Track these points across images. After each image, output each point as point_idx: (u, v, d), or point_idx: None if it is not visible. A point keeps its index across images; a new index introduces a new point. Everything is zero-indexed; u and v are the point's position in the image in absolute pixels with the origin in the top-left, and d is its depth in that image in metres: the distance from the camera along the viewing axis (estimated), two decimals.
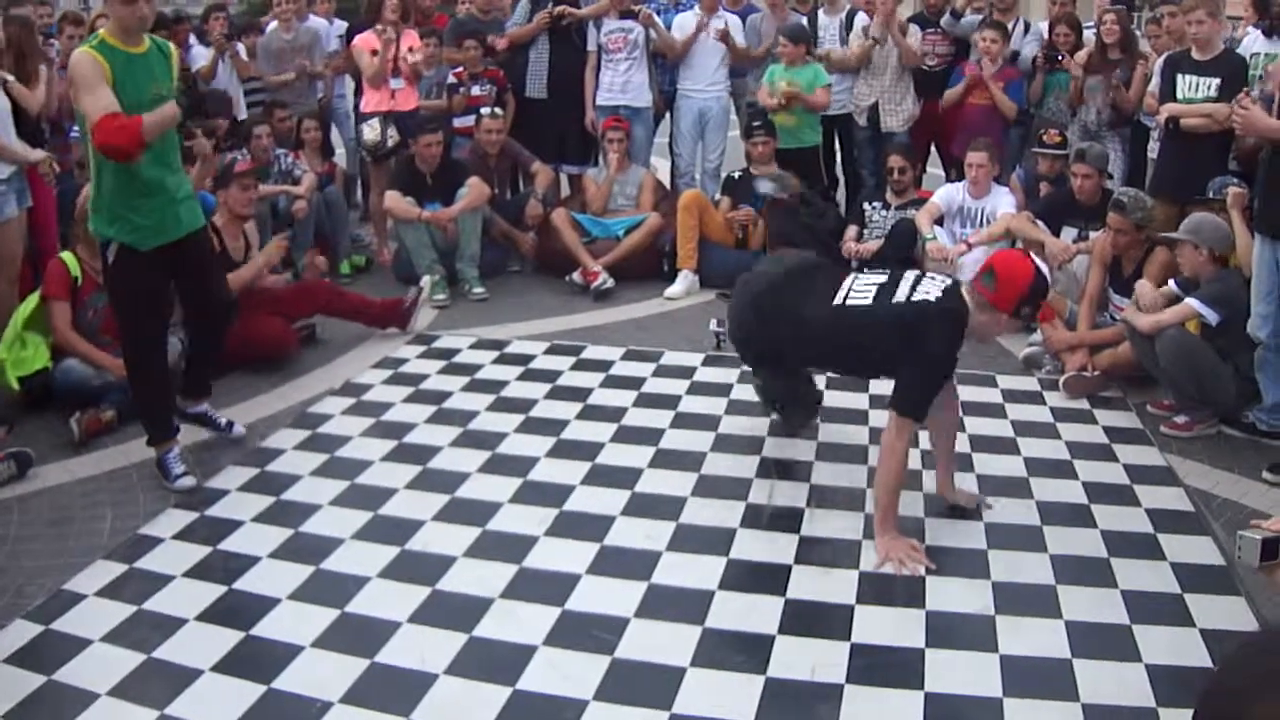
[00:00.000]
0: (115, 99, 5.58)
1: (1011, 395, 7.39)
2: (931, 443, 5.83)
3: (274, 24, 11.95)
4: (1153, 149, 9.33)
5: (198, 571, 5.17)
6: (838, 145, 11.66)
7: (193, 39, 11.97)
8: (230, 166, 8.33)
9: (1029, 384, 7.65)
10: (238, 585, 5.04)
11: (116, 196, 5.84)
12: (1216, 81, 8.06)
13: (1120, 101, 9.55)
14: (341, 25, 12.47)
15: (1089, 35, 10.53)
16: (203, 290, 6.42)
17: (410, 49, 10.62)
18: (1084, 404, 7.27)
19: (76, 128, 9.37)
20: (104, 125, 5.49)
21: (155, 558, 5.32)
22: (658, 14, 11.18)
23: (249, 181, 8.20)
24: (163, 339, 6.31)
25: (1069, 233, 8.63)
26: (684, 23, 11.12)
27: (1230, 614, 4.77)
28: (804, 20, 11.63)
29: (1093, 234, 8.33)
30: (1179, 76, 8.28)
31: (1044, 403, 7.30)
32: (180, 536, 5.52)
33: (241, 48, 11.82)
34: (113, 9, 5.80)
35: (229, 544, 5.39)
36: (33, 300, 7.28)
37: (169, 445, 6.20)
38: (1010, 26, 10.77)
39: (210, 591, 4.99)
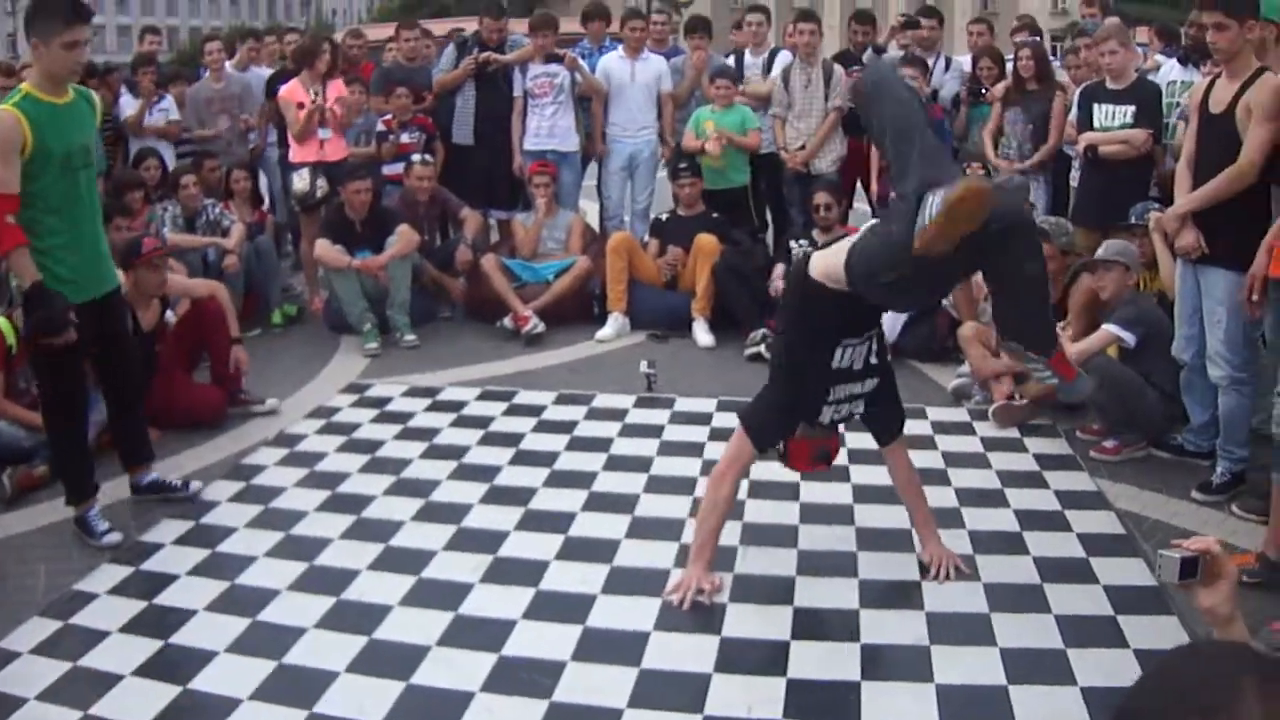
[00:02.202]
0: (15, 177, 5.50)
1: (941, 426, 7.47)
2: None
3: (205, 74, 11.97)
4: (1074, 178, 9.47)
5: (134, 626, 5.13)
6: (765, 185, 11.68)
7: (123, 89, 11.94)
8: (135, 245, 7.95)
9: (958, 415, 7.74)
10: (174, 639, 5.00)
11: (40, 252, 5.71)
12: (1132, 109, 8.24)
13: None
14: (267, 73, 12.46)
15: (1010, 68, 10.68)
16: (119, 351, 6.35)
17: (338, 99, 10.63)
18: (1014, 433, 7.36)
19: None
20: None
21: (90, 613, 5.26)
22: (583, 58, 11.27)
23: (160, 262, 7.91)
24: (81, 398, 6.16)
25: None
26: (609, 65, 11.20)
27: (1162, 634, 4.83)
28: (730, 58, 11.73)
29: None
30: (1096, 106, 8.45)
31: (974, 433, 7.39)
32: (115, 591, 5.47)
33: (170, 98, 11.79)
34: (47, 57, 5.67)
35: (165, 598, 5.35)
36: None
37: (88, 504, 6.12)
38: (931, 63, 10.90)
39: (147, 646, 4.95)
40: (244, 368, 8.07)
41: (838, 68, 10.99)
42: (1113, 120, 8.35)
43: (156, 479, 6.61)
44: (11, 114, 5.54)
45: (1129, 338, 6.87)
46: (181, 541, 6.03)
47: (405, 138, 10.94)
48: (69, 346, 5.82)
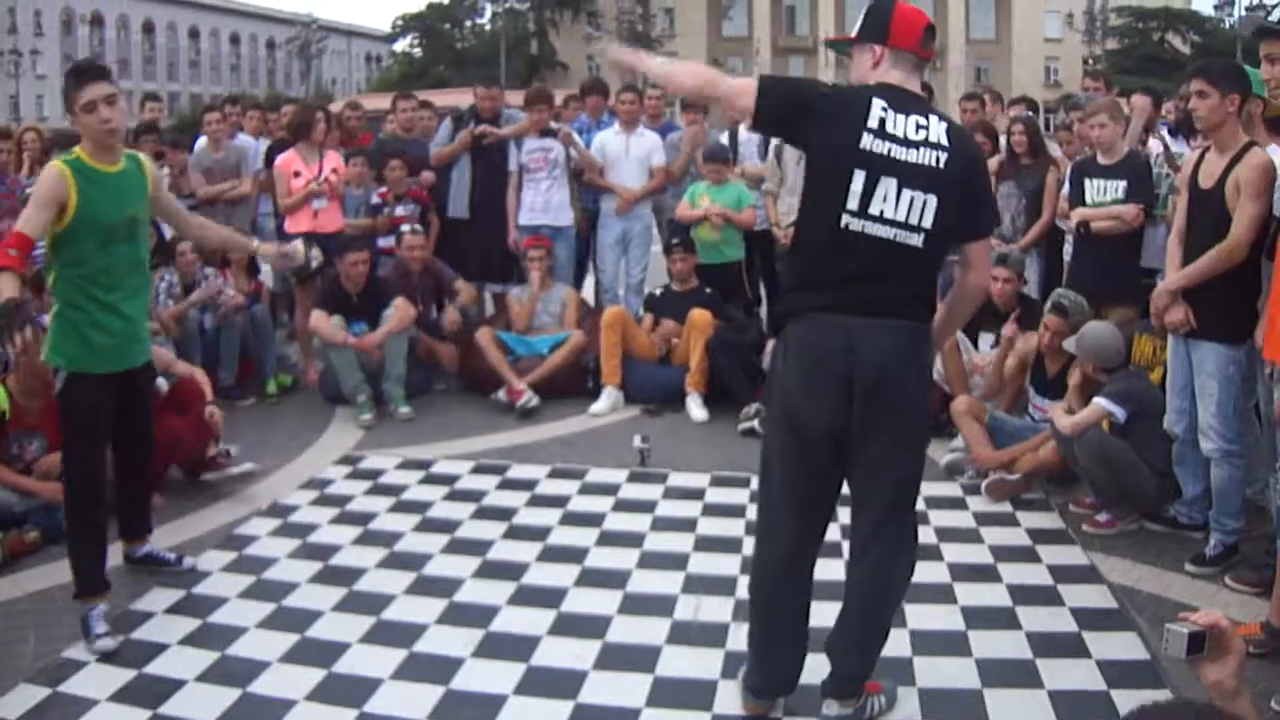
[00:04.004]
0: (41, 227, 5.41)
1: (934, 501, 7.44)
2: None
3: (203, 141, 12.00)
4: (1068, 252, 9.47)
5: (123, 695, 5.11)
6: (759, 260, 11.70)
7: None
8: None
9: (951, 490, 7.74)
10: (163, 709, 4.97)
11: (80, 314, 5.62)
12: (1123, 184, 8.24)
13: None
14: (266, 142, 12.51)
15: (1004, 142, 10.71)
16: (137, 429, 6.19)
17: (334, 170, 10.68)
18: (1006, 507, 7.37)
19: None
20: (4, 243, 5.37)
21: (79, 682, 5.23)
22: (579, 132, 11.36)
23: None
24: (103, 478, 5.91)
25: (987, 338, 8.79)
26: (604, 140, 11.29)
27: None
28: (724, 136, 11.81)
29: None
30: (1087, 180, 8.46)
31: (966, 508, 7.39)
32: (105, 659, 5.43)
33: (166, 169, 11.82)
34: (79, 125, 5.65)
35: (155, 667, 5.32)
36: None
37: (96, 601, 5.73)
38: None
39: (136, 716, 4.93)
40: (218, 421, 7.97)
41: None
42: (1104, 195, 8.36)
43: (151, 552, 6.50)
44: (59, 170, 5.50)
45: (1119, 412, 6.89)
46: (173, 610, 6.00)
47: (400, 210, 10.99)
48: (96, 419, 5.78)
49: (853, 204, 4.31)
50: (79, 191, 5.46)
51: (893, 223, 4.33)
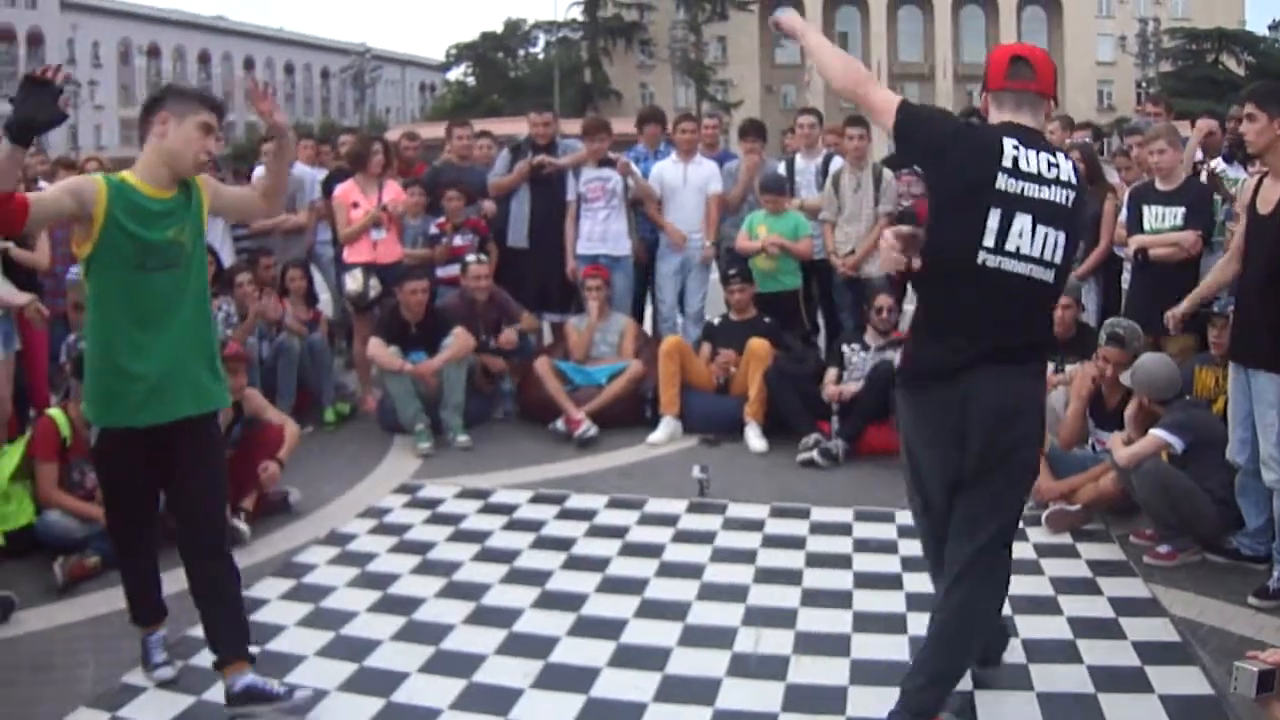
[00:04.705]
0: (44, 203, 4.84)
1: None
2: None
3: (260, 170, 12.05)
4: (1125, 280, 9.38)
5: None
6: (816, 289, 11.67)
7: None
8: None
9: None
10: None
11: (104, 359, 5.07)
12: (1181, 210, 8.20)
13: None
14: (322, 172, 12.56)
15: None
16: (193, 497, 5.29)
17: (391, 200, 10.72)
18: (1066, 538, 7.29)
19: (75, 269, 9.44)
20: None
21: (137, 707, 5.26)
22: (636, 162, 11.36)
23: (237, 366, 7.82)
24: (148, 535, 5.49)
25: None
26: (662, 170, 11.29)
27: None
28: (780, 166, 11.79)
29: (1069, 366, 8.42)
30: (1145, 207, 8.43)
31: (1026, 539, 7.26)
32: (163, 686, 5.45)
33: None
34: (175, 134, 5.07)
35: (213, 694, 5.29)
36: (15, 453, 7.27)
37: (151, 629, 5.58)
38: None
39: None
40: (272, 477, 7.88)
41: (887, 172, 11.04)
42: (1162, 222, 8.32)
43: (254, 685, 5.17)
44: (94, 180, 4.98)
45: (1177, 443, 6.82)
46: None
47: (459, 240, 11.00)
48: (132, 482, 5.26)
49: (989, 241, 4.47)
50: (109, 203, 4.93)
51: (1028, 259, 4.50)
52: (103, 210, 4.91)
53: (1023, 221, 4.48)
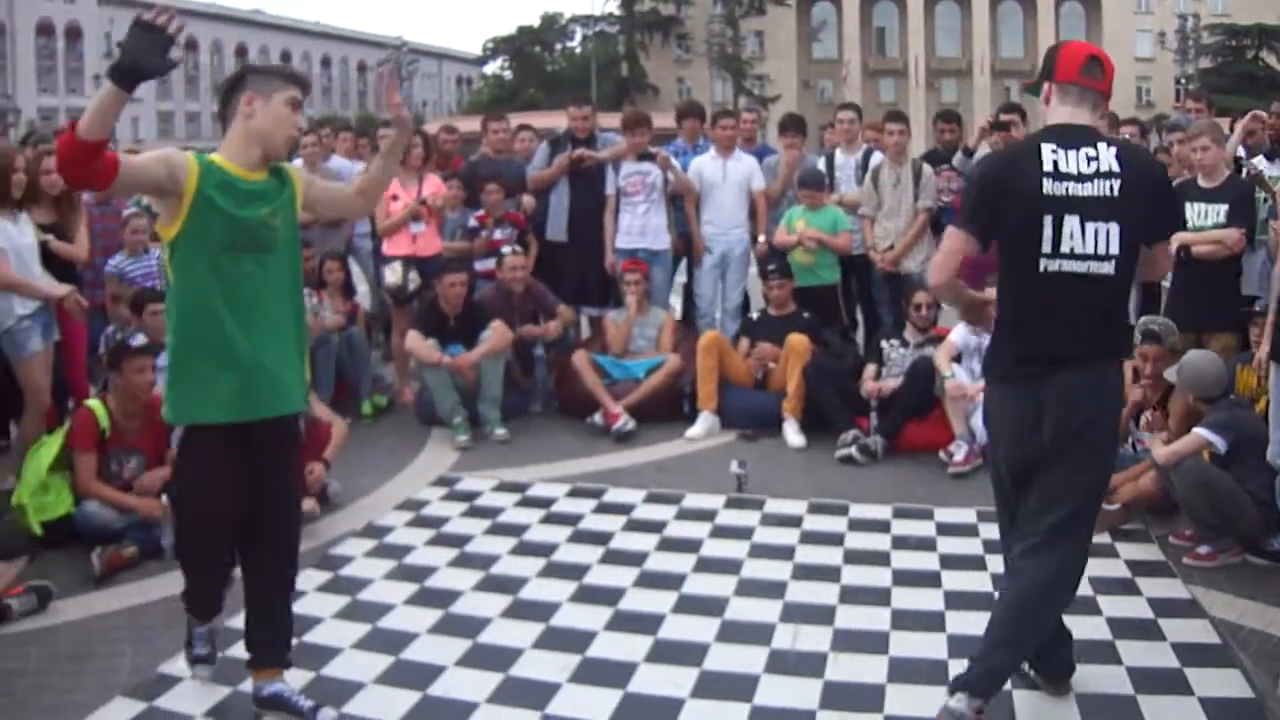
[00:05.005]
0: (136, 164, 4.51)
1: None
2: None
3: (298, 163, 12.06)
4: (1166, 278, 9.32)
5: (218, 712, 5.15)
6: (855, 285, 11.63)
7: None
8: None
9: None
10: None
11: (196, 348, 4.72)
12: (1224, 208, 8.12)
13: None
14: (360, 165, 12.55)
15: None
16: (272, 506, 5.08)
17: (432, 193, 10.73)
18: (1105, 538, 7.18)
19: (114, 260, 9.48)
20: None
21: (174, 697, 5.28)
22: (675, 156, 11.32)
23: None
24: (225, 540, 5.11)
25: None
26: (701, 165, 11.27)
27: None
28: (820, 161, 11.76)
29: None
30: (1188, 204, 8.31)
31: None
32: (200, 676, 5.43)
33: None
34: (263, 114, 4.78)
35: (249, 685, 5.27)
36: (54, 443, 7.29)
37: (202, 622, 5.31)
38: None
39: None
40: (316, 479, 7.84)
41: (926, 167, 11.04)
42: (1205, 219, 8.23)
43: (281, 694, 5.13)
44: (186, 155, 4.69)
45: (1219, 442, 6.76)
46: None
47: (498, 233, 10.98)
48: (217, 484, 4.84)
49: (1047, 247, 4.62)
50: (200, 178, 4.62)
51: (1083, 256, 4.62)
52: (193, 185, 4.61)
53: (1072, 222, 4.59)
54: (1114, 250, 4.61)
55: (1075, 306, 4.67)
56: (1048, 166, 4.62)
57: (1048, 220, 4.60)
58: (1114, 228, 4.60)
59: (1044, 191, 4.60)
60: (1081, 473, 4.79)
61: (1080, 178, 4.60)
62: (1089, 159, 4.63)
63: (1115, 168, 4.62)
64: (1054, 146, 4.65)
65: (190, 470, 4.95)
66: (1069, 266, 4.62)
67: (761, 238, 11.20)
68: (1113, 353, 4.92)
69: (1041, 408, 4.73)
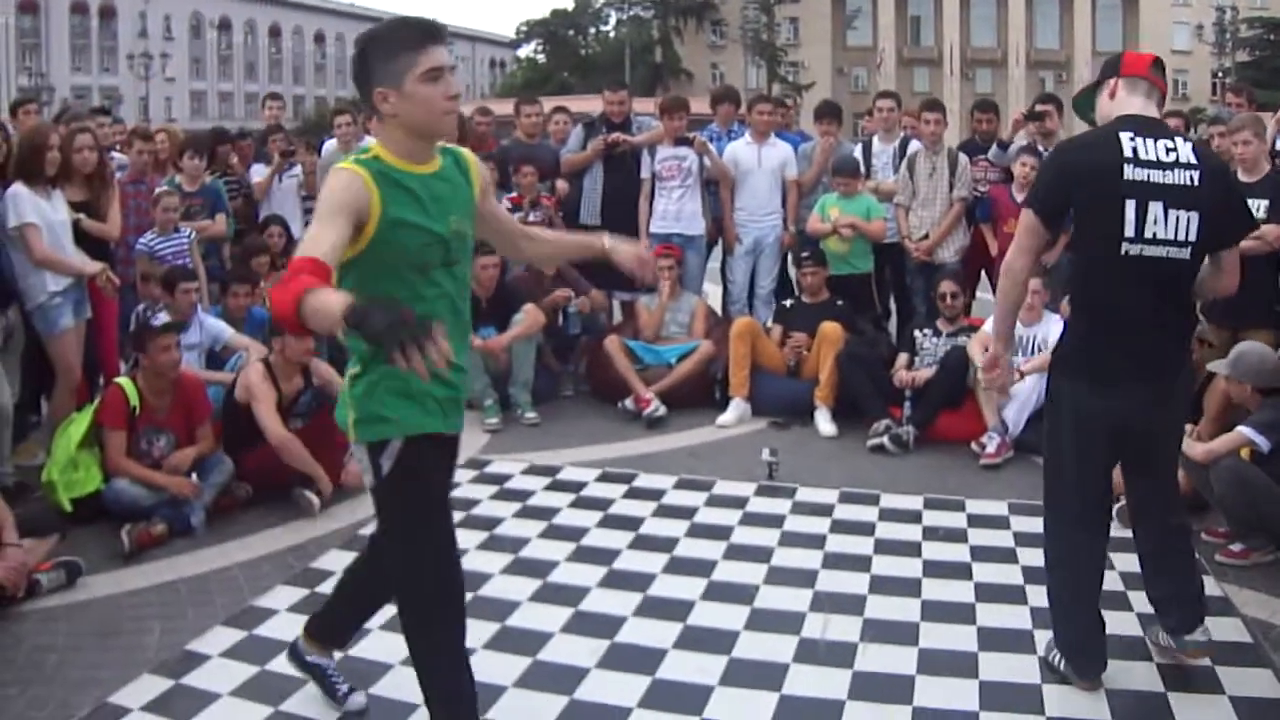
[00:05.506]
0: (333, 248, 3.72)
1: None
2: None
3: (333, 143, 12.05)
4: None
5: (245, 691, 5.15)
6: (888, 273, 11.59)
7: (259, 165, 12.08)
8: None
9: None
10: (284, 707, 5.02)
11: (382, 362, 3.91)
12: (1265, 203, 7.99)
13: None
14: None
15: None
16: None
17: None
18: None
19: (145, 238, 9.48)
20: (285, 277, 3.57)
21: (202, 675, 5.30)
22: (711, 141, 11.29)
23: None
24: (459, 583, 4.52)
25: None
26: (736, 150, 11.25)
27: None
28: (857, 149, 11.72)
29: None
30: None
31: None
32: (228, 654, 5.49)
33: (299, 168, 11.90)
34: (404, 106, 3.98)
35: (276, 664, 5.32)
36: (84, 420, 7.31)
37: (338, 648, 5.09)
38: None
39: (256, 712, 4.98)
40: (350, 478, 7.70)
41: (962, 156, 10.99)
42: None
43: (325, 666, 5.06)
44: (354, 171, 3.95)
45: (1263, 442, 6.65)
46: (296, 609, 6.02)
47: (532, 217, 10.93)
48: (441, 498, 4.41)
49: (1130, 231, 4.74)
50: (383, 204, 3.94)
51: (1165, 242, 4.75)
52: (377, 213, 3.93)
53: (1155, 208, 4.71)
54: (1192, 237, 4.76)
55: (1153, 290, 4.80)
56: (1127, 152, 4.71)
57: (1130, 204, 4.70)
58: (1194, 216, 4.74)
59: (1125, 176, 4.69)
60: (1174, 435, 5.32)
61: (1161, 165, 4.71)
62: (1167, 149, 4.74)
63: (1193, 160, 4.75)
64: (1131, 134, 4.76)
65: (412, 490, 4.20)
66: (1150, 251, 4.73)
67: (792, 228, 11.20)
68: (1186, 328, 5.14)
69: (1124, 392, 4.90)
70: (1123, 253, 4.74)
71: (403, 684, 5.11)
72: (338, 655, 5.16)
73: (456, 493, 7.63)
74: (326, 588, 6.18)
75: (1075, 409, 5.07)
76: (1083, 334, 5.03)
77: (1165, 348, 4.96)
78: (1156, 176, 4.70)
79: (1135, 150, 4.71)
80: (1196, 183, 4.74)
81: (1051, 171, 5.06)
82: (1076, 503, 5.21)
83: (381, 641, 5.52)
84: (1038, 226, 4.93)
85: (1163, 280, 4.81)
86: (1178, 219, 4.72)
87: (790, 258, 11.13)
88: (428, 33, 4.02)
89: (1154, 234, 4.72)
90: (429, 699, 4.38)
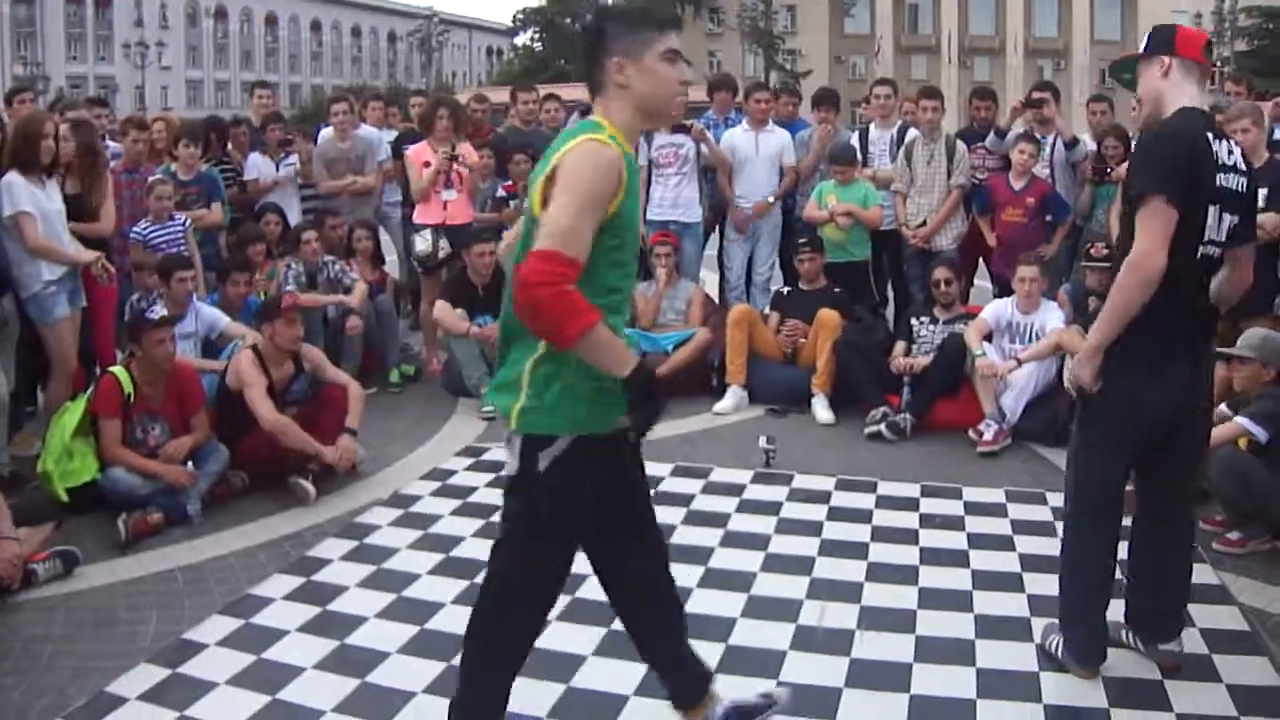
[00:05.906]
0: (589, 242, 3.63)
1: (1061, 513, 7.27)
2: None
3: (329, 131, 12.05)
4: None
5: (240, 680, 5.15)
6: (886, 261, 11.60)
7: (254, 152, 12.06)
8: (277, 301, 8.11)
9: None
10: (280, 695, 5.01)
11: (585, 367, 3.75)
12: (1264, 191, 7.99)
13: None
14: (391, 134, 12.59)
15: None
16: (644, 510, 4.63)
17: (463, 153, 10.72)
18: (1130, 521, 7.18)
19: (138, 227, 9.47)
20: (554, 274, 3.51)
21: (198, 664, 5.29)
22: (708, 128, 11.29)
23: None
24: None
25: None
26: (734, 138, 11.24)
27: None
28: (854, 136, 11.72)
29: None
30: None
31: None
32: (224, 643, 5.49)
33: (295, 157, 11.89)
34: (639, 79, 3.89)
35: (273, 653, 5.35)
36: (78, 409, 7.30)
37: None
38: (1052, 140, 10.81)
39: (253, 701, 4.97)
40: (351, 460, 7.83)
41: (960, 144, 10.96)
42: None
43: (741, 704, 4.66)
44: (616, 153, 3.75)
45: (1260, 433, 6.64)
46: (292, 598, 6.04)
47: (527, 202, 10.89)
48: (589, 508, 4.15)
49: (1208, 235, 4.78)
50: (626, 184, 3.77)
51: (1215, 243, 4.83)
52: (620, 194, 3.75)
53: (1215, 211, 4.75)
54: (1224, 237, 4.83)
55: (1201, 286, 4.92)
56: (1220, 158, 4.73)
57: (1213, 210, 4.73)
58: (1236, 220, 4.82)
59: (1216, 183, 4.72)
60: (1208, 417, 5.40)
61: (1226, 169, 4.75)
62: (1229, 151, 4.78)
63: (1243, 164, 4.82)
64: (1211, 135, 4.74)
65: (562, 494, 3.99)
66: (1205, 250, 4.79)
67: (770, 198, 11.28)
68: (1212, 322, 5.23)
69: (1189, 376, 4.97)
70: (1199, 255, 4.78)
71: (400, 672, 5.13)
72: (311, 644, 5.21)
73: (453, 480, 7.79)
74: (323, 576, 6.24)
75: (1131, 398, 4.99)
76: (1141, 328, 4.85)
77: (1201, 340, 5.06)
78: (1224, 180, 4.74)
79: (1217, 155, 4.72)
80: (1245, 189, 4.83)
81: (1184, 160, 4.66)
82: (1103, 505, 5.23)
83: (379, 629, 5.52)
84: (1170, 211, 4.60)
85: (1204, 273, 4.89)
86: (1226, 221, 4.79)
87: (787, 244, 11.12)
88: (670, 20, 4.11)
89: (1211, 236, 4.77)
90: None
